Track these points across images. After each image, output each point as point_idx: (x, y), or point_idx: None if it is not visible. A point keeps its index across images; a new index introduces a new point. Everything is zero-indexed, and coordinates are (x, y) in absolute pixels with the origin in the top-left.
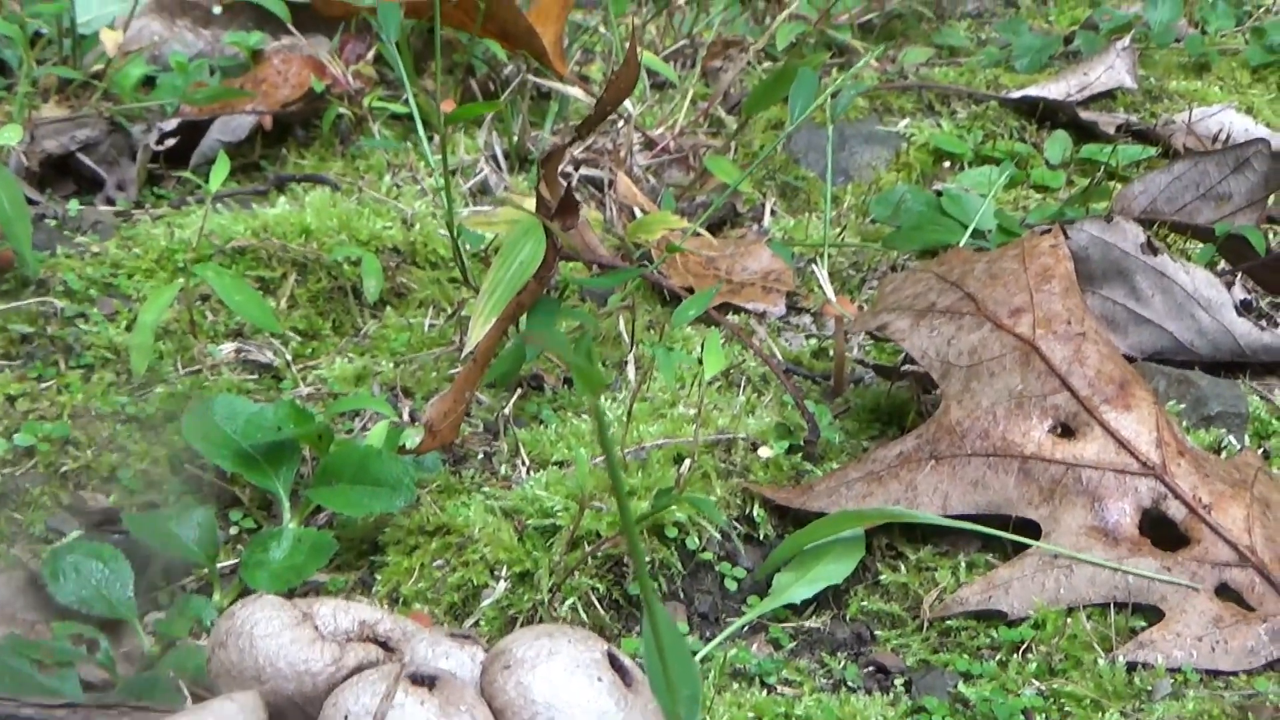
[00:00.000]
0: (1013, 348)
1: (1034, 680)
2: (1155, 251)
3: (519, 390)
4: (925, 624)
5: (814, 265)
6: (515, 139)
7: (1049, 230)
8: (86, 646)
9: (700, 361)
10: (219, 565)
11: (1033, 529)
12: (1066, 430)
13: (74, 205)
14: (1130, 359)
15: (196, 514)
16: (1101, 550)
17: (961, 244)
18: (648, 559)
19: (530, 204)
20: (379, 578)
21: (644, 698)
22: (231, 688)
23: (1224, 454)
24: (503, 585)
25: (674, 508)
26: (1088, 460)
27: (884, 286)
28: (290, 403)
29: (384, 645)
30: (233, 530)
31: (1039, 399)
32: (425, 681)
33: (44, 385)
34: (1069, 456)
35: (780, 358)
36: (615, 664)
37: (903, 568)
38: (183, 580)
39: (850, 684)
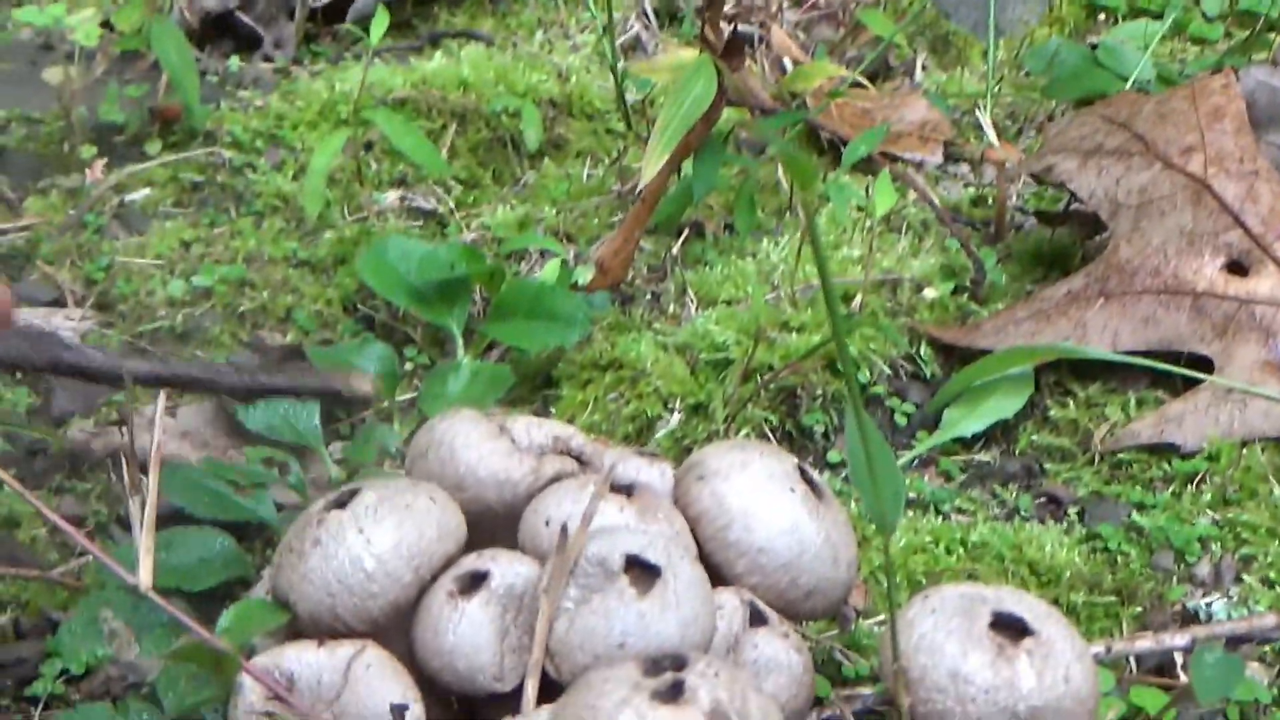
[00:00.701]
0: (1184, 186)
1: (1209, 510)
2: None
3: (682, 235)
4: (1096, 457)
5: (970, 115)
6: None
7: (1219, 71)
8: (278, 470)
9: (861, 209)
10: (398, 399)
11: (1204, 365)
12: (1239, 267)
13: (234, 62)
14: None
15: (375, 348)
16: (1276, 384)
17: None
18: (820, 392)
19: (689, 54)
20: (554, 410)
21: (834, 511)
22: None
23: None
24: (677, 417)
25: (847, 342)
26: (1261, 296)
27: (1049, 130)
28: (462, 243)
29: (578, 459)
30: (407, 366)
31: (1211, 236)
32: (624, 490)
33: (217, 231)
34: (1242, 293)
35: (940, 205)
36: (806, 477)
37: (1072, 404)
38: (362, 413)
39: (1023, 513)
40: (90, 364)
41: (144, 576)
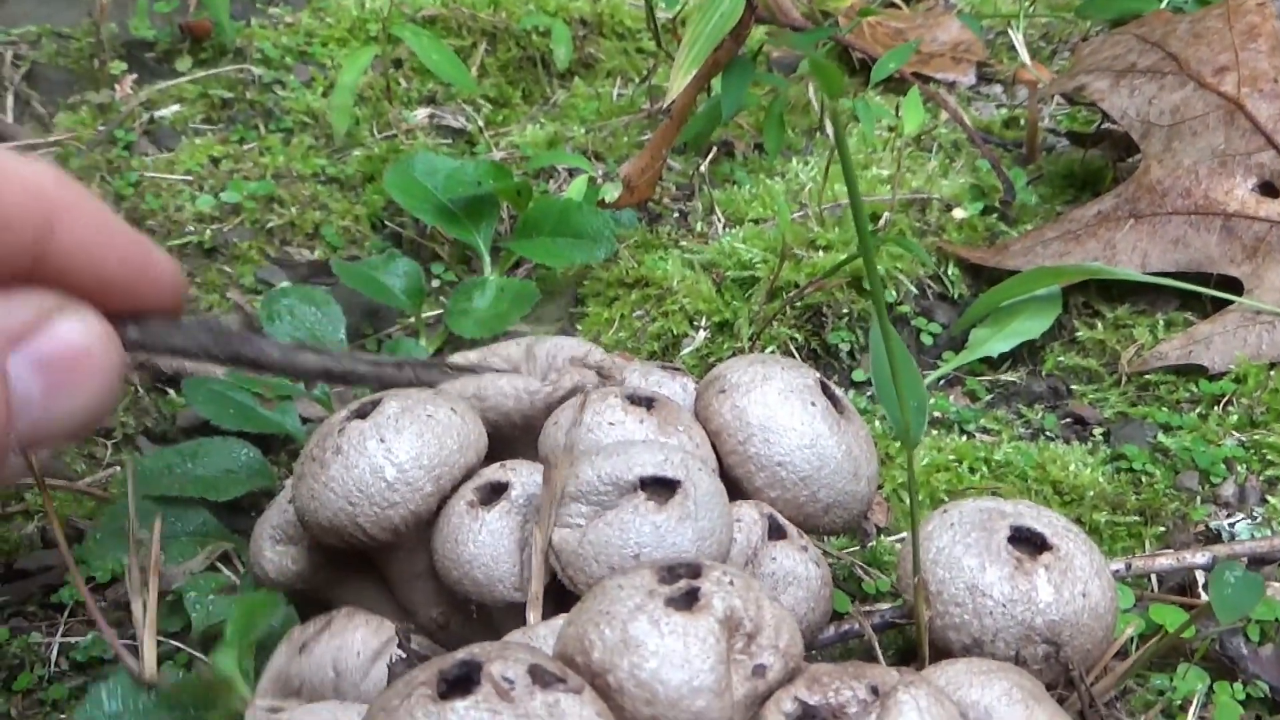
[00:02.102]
0: (1216, 106)
1: (1235, 432)
2: None
3: (711, 153)
4: (1123, 379)
5: (1004, 35)
6: None
7: None
8: (304, 383)
9: (892, 129)
10: (424, 314)
11: (1233, 287)
12: (1271, 188)
13: None
14: None
15: (402, 263)
16: None
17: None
18: (846, 311)
19: None
20: (580, 328)
21: (855, 425)
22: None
23: None
24: (702, 334)
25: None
26: None
27: (1081, 49)
28: (490, 160)
29: (598, 373)
30: (434, 283)
31: (1243, 157)
32: (643, 402)
33: (246, 147)
34: (1273, 214)
35: (971, 125)
36: (827, 392)
37: (1100, 325)
38: (389, 329)
39: (1049, 433)
40: (265, 358)
41: (148, 667)
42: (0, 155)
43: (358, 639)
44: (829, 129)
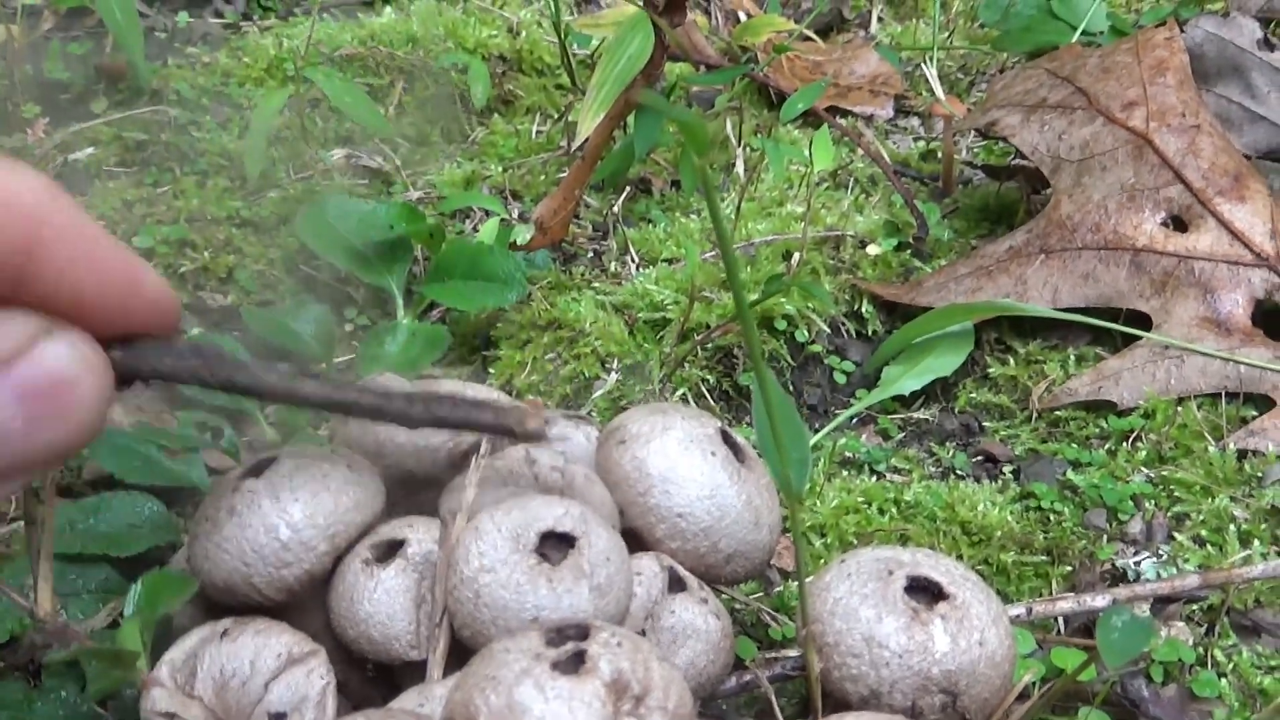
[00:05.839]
0: (1125, 141)
1: (1143, 468)
2: (1272, 48)
3: (627, 191)
4: (1034, 415)
5: (922, 67)
6: None
7: (1164, 24)
8: (211, 434)
9: (808, 164)
10: (336, 360)
11: (1143, 322)
12: (1179, 223)
13: (183, 18)
14: (1245, 158)
15: (313, 310)
16: (1213, 340)
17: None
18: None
19: (632, 9)
20: (492, 371)
21: (757, 474)
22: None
23: None
24: (614, 377)
25: (784, 300)
26: (1200, 252)
27: (994, 84)
28: (403, 202)
29: None
30: (347, 327)
31: (1152, 192)
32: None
33: (160, 190)
34: (1181, 249)
35: (888, 159)
36: (728, 441)
37: (1011, 361)
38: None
39: (959, 472)
40: (262, 385)
41: (43, 602)
42: None
43: (282, 643)
44: (738, 170)
